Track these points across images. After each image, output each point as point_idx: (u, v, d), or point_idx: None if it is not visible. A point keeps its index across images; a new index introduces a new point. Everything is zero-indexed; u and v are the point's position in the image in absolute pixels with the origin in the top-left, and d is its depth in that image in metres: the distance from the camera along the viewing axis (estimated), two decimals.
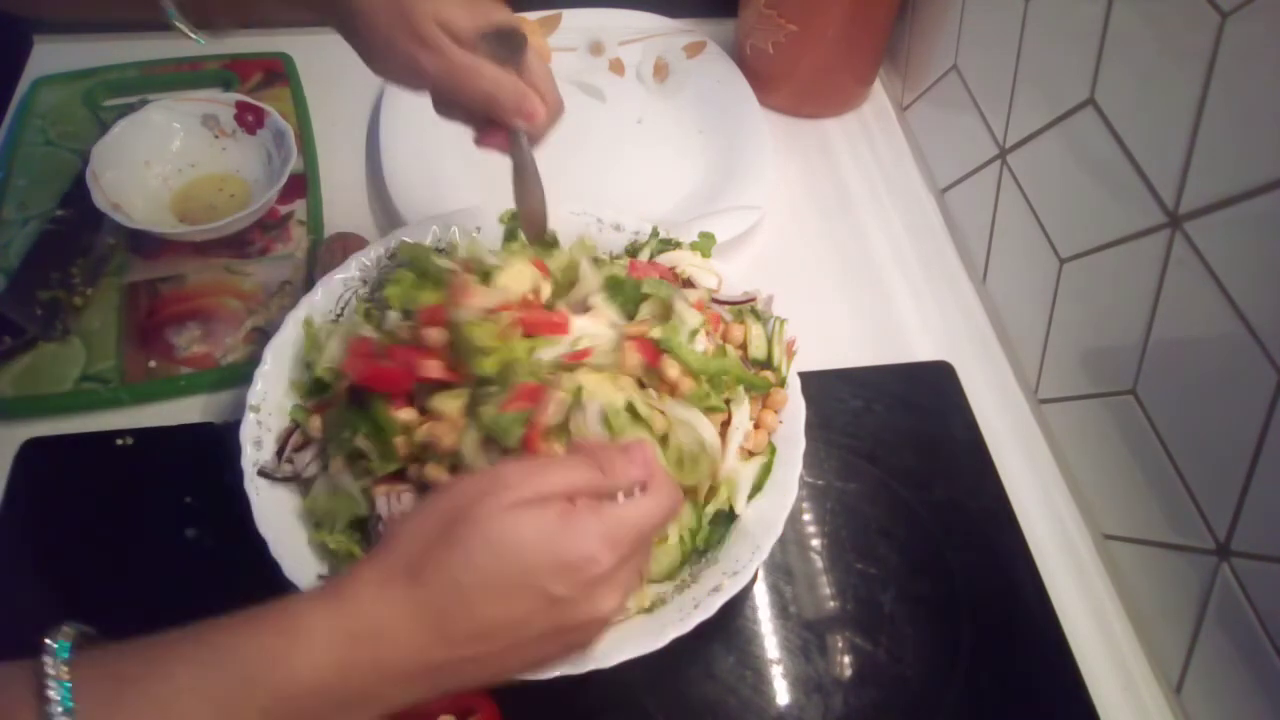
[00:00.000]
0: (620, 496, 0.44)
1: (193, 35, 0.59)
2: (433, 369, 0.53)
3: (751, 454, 0.59)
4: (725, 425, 0.58)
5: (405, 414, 0.54)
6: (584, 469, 0.44)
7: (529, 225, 0.61)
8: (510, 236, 0.68)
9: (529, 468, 0.44)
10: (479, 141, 0.57)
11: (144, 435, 0.65)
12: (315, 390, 0.59)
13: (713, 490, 0.56)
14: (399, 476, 0.54)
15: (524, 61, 0.54)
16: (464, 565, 0.39)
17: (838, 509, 0.66)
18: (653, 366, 0.55)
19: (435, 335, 0.54)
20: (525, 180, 0.58)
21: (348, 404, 0.56)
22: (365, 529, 0.54)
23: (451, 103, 0.55)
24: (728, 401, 0.58)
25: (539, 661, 0.44)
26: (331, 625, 0.38)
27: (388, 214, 0.79)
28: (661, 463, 0.50)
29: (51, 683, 0.36)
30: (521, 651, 0.42)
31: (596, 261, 0.62)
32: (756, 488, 0.58)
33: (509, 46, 0.54)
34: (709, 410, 0.56)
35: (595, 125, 0.90)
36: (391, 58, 0.53)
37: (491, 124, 0.56)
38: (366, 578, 0.40)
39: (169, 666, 0.37)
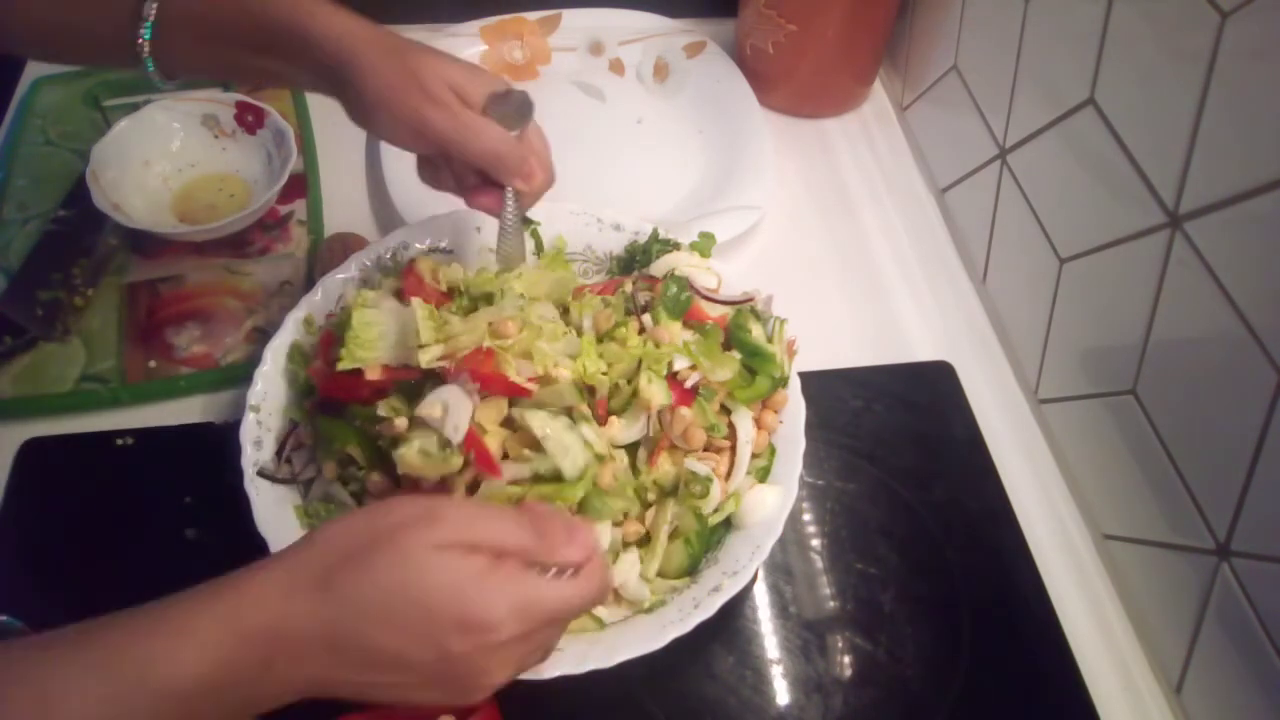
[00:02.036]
0: (551, 572, 0.43)
1: (167, 86, 0.60)
2: (374, 371, 0.54)
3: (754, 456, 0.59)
4: (732, 446, 0.59)
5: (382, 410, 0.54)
6: (523, 531, 0.42)
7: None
8: None
9: (469, 511, 0.43)
10: (470, 202, 0.58)
11: (144, 435, 0.65)
12: (310, 392, 0.59)
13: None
14: (393, 478, 0.54)
15: (525, 130, 0.56)
16: (373, 589, 0.39)
17: (838, 509, 0.66)
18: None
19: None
20: (509, 239, 0.60)
21: (330, 411, 0.56)
22: None
23: (450, 161, 0.57)
24: (730, 419, 0.59)
25: (417, 704, 0.43)
26: (225, 625, 0.38)
27: (388, 214, 0.79)
28: (603, 551, 0.50)
29: None
30: (403, 691, 0.41)
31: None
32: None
33: (516, 112, 0.55)
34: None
35: (595, 125, 0.90)
36: (399, 116, 0.54)
37: (485, 185, 0.57)
38: (275, 579, 0.40)
39: (56, 667, 0.36)
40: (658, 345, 0.57)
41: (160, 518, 0.62)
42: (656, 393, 0.55)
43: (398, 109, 0.53)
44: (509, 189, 0.56)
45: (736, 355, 0.60)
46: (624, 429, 0.56)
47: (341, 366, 0.54)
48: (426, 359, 0.52)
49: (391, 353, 0.55)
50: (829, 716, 0.58)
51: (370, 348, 0.55)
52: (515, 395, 0.53)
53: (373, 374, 0.54)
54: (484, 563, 0.40)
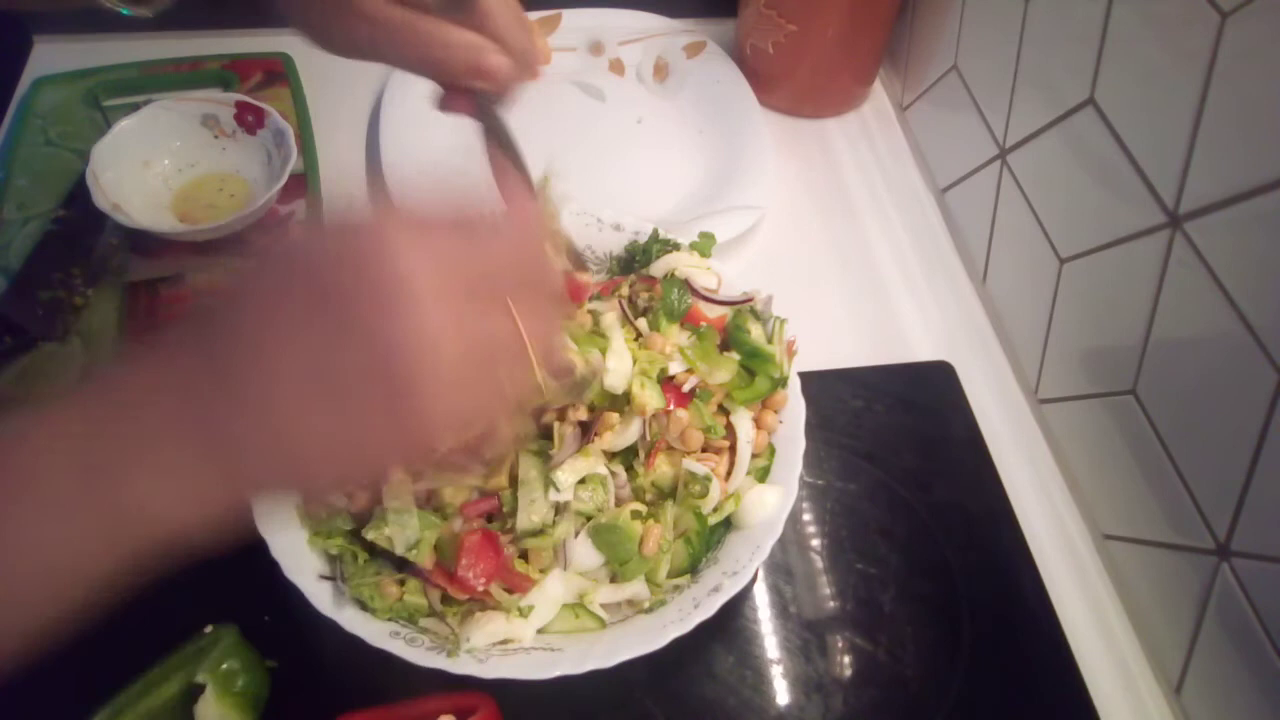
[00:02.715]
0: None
1: (122, 8, 0.55)
2: None
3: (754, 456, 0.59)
4: (732, 447, 0.59)
5: None
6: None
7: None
8: None
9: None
10: (441, 106, 0.50)
11: None
12: None
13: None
14: None
15: (483, 7, 0.46)
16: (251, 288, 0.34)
17: (838, 509, 0.66)
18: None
19: None
20: (497, 148, 0.51)
21: None
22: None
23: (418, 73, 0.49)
24: (729, 419, 0.59)
25: (361, 443, 0.35)
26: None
27: None
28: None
29: None
30: (323, 403, 0.33)
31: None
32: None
33: None
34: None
35: (595, 125, 0.90)
36: (336, 34, 0.48)
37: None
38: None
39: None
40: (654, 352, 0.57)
41: None
42: (650, 398, 0.55)
43: (335, 29, 0.48)
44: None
45: (735, 356, 0.60)
46: (618, 434, 0.56)
47: None
48: None
49: None
50: (829, 716, 0.58)
51: None
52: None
53: None
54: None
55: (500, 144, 0.51)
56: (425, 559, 0.51)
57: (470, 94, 0.49)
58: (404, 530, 0.50)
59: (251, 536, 0.35)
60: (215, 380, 0.33)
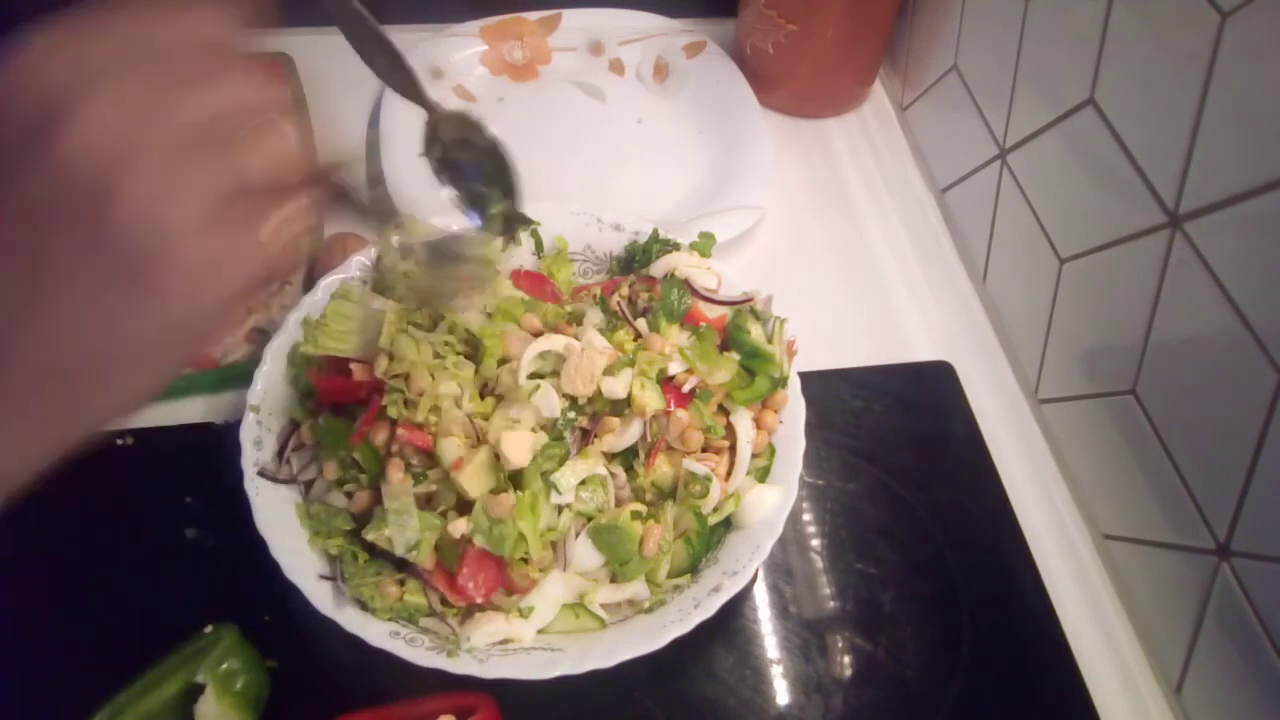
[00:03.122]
0: None
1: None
2: (358, 373, 0.54)
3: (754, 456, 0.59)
4: (732, 447, 0.58)
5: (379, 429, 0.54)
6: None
7: (390, 83, 0.51)
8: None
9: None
10: None
11: (144, 435, 0.65)
12: (310, 393, 0.59)
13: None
14: None
15: None
16: None
17: (838, 509, 0.66)
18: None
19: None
20: (352, 30, 0.50)
21: (330, 413, 0.56)
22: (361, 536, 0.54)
23: None
24: (729, 419, 0.59)
25: (114, 324, 0.29)
26: None
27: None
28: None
29: None
30: (67, 301, 0.28)
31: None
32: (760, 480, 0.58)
33: None
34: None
35: (595, 125, 0.90)
36: None
37: None
38: None
39: None
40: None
41: (160, 518, 0.62)
42: (650, 399, 0.55)
43: None
44: None
45: (735, 356, 0.60)
46: (618, 435, 0.56)
47: (304, 350, 0.54)
48: (380, 369, 0.53)
49: (359, 349, 0.55)
50: (829, 716, 0.58)
51: (339, 339, 0.55)
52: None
53: (361, 374, 0.54)
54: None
55: (351, 27, 0.50)
56: (425, 560, 0.51)
57: None
58: (404, 531, 0.50)
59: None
60: None
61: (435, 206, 0.68)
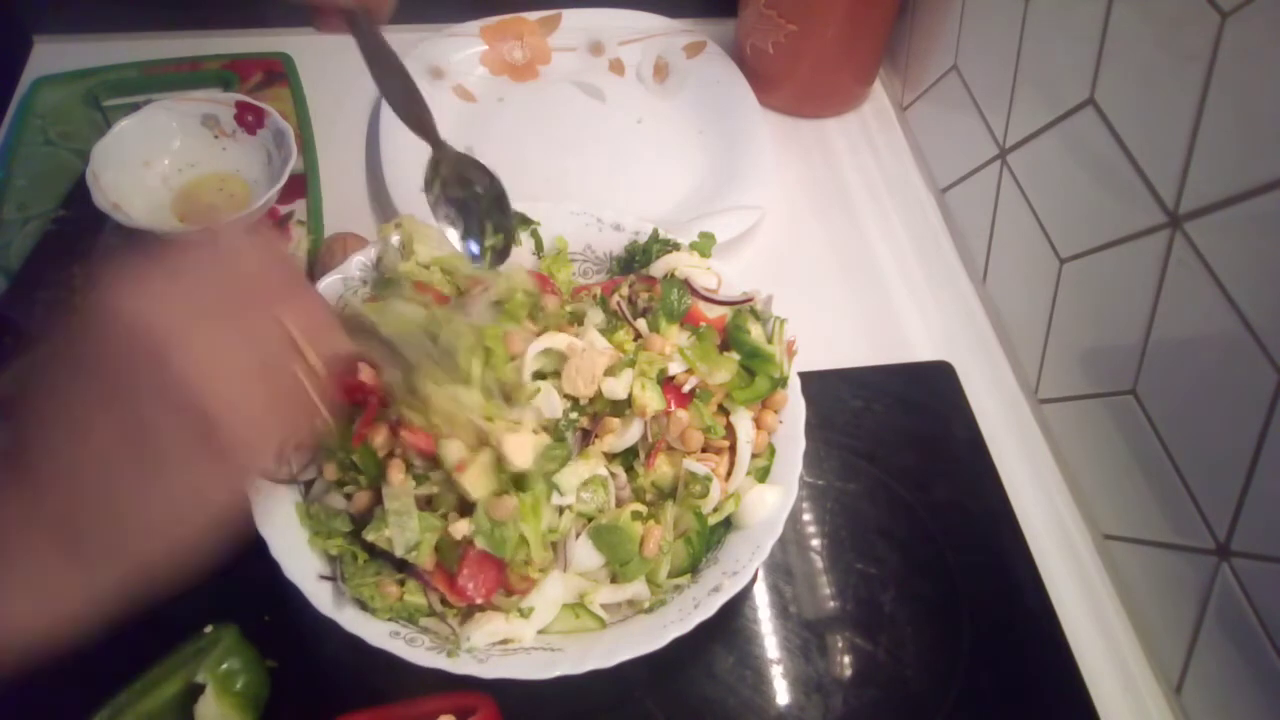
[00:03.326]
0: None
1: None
2: (366, 374, 0.54)
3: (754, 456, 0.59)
4: (732, 447, 0.58)
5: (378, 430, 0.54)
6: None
7: (406, 119, 0.56)
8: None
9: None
10: (319, 27, 0.52)
11: None
12: None
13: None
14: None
15: None
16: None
17: (838, 509, 0.66)
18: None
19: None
20: (378, 67, 0.53)
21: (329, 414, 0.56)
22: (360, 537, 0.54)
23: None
24: (729, 420, 0.59)
25: (180, 487, 0.36)
26: None
27: (387, 214, 0.79)
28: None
29: None
30: (135, 467, 0.35)
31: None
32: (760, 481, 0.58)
33: None
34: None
35: (595, 125, 0.90)
36: None
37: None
38: None
39: None
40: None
41: None
42: (651, 399, 0.55)
43: None
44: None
45: (735, 356, 0.60)
46: (619, 435, 0.56)
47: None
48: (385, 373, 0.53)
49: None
50: (829, 716, 0.58)
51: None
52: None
53: (366, 376, 0.54)
54: None
55: (378, 65, 0.53)
56: (425, 560, 0.51)
57: (343, 14, 0.51)
58: (404, 532, 0.50)
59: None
60: (28, 482, 0.34)
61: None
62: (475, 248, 0.58)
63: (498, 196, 0.57)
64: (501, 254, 0.59)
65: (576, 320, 0.61)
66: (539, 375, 0.56)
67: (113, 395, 0.35)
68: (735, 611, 0.61)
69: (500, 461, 0.52)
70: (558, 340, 0.56)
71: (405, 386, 0.52)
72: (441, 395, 0.52)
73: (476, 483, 0.51)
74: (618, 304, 0.61)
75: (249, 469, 0.39)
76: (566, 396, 0.55)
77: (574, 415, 0.55)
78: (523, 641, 0.52)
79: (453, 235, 0.58)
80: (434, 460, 0.52)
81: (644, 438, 0.56)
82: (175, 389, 0.34)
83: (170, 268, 0.37)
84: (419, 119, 0.55)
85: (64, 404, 0.35)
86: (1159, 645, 0.62)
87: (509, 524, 0.51)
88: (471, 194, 0.57)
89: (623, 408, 0.56)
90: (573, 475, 0.53)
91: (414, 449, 0.52)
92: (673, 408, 0.56)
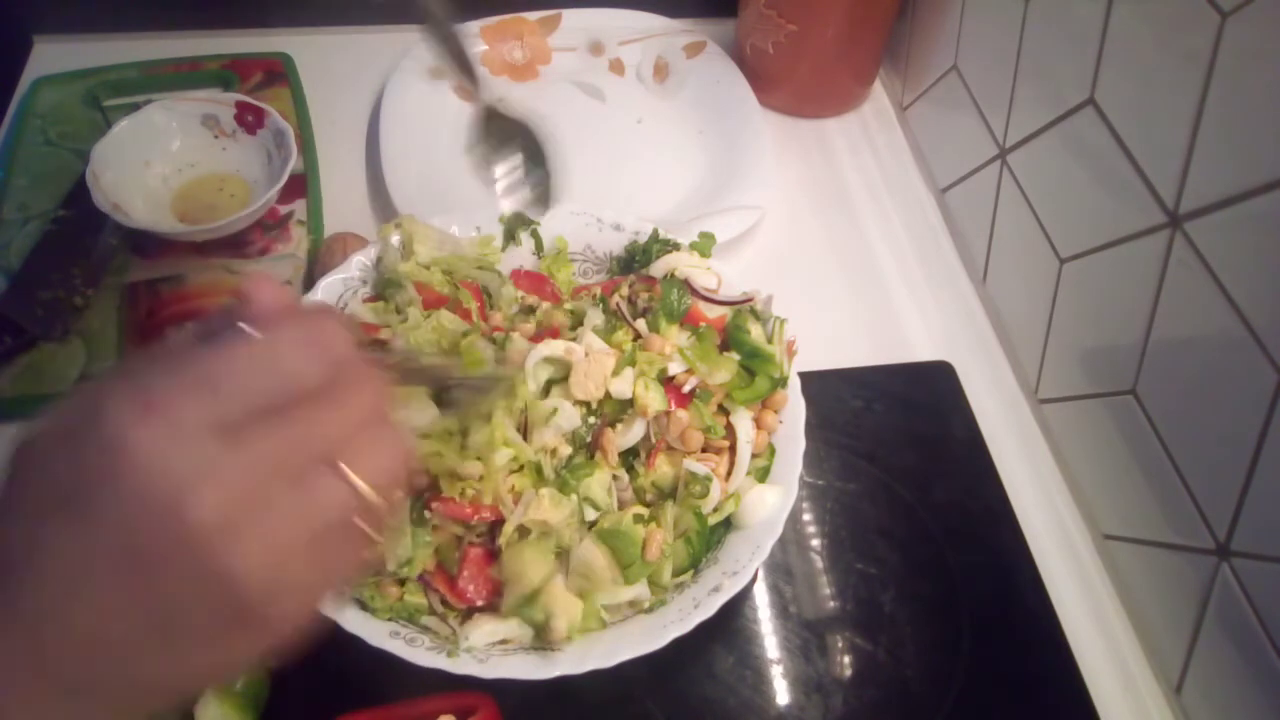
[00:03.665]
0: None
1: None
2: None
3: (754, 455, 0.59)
4: (732, 447, 0.58)
5: None
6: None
7: (460, 74, 0.59)
8: (509, 237, 0.68)
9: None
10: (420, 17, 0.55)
11: None
12: None
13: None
14: None
15: None
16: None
17: (838, 509, 0.66)
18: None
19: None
20: (438, 33, 0.56)
21: None
22: None
23: None
24: (729, 420, 0.59)
25: (208, 664, 0.32)
26: None
27: (387, 214, 0.79)
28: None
29: None
30: (137, 622, 0.29)
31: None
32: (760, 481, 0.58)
33: None
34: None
35: (595, 125, 0.90)
36: None
37: None
38: None
39: None
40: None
41: None
42: (653, 399, 0.55)
43: None
44: None
45: (735, 356, 0.60)
46: (621, 435, 0.56)
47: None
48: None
49: None
50: (829, 716, 0.58)
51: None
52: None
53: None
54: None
55: (448, 48, 0.56)
56: (418, 571, 0.51)
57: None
58: (395, 549, 0.51)
59: None
60: (24, 634, 0.29)
61: (435, 208, 0.68)
62: (527, 190, 0.63)
63: (534, 138, 0.63)
64: (521, 223, 0.64)
65: (576, 320, 0.61)
66: (548, 382, 0.56)
67: (122, 554, 0.28)
68: (735, 611, 0.61)
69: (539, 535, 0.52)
70: (555, 347, 0.56)
71: (454, 446, 0.52)
72: (491, 448, 0.52)
73: (533, 566, 0.51)
74: (618, 304, 0.61)
75: (289, 635, 0.32)
76: (578, 403, 0.55)
77: (593, 420, 0.56)
78: (523, 642, 0.52)
79: (502, 177, 0.63)
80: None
81: (645, 438, 0.56)
82: (199, 559, 0.28)
83: (196, 375, 0.29)
84: (468, 78, 0.58)
85: (64, 557, 0.29)
86: (1159, 645, 0.62)
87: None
88: (515, 142, 0.62)
89: (625, 408, 0.56)
90: (599, 486, 0.54)
91: (451, 517, 0.52)
92: (673, 408, 0.56)
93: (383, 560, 0.49)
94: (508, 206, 0.67)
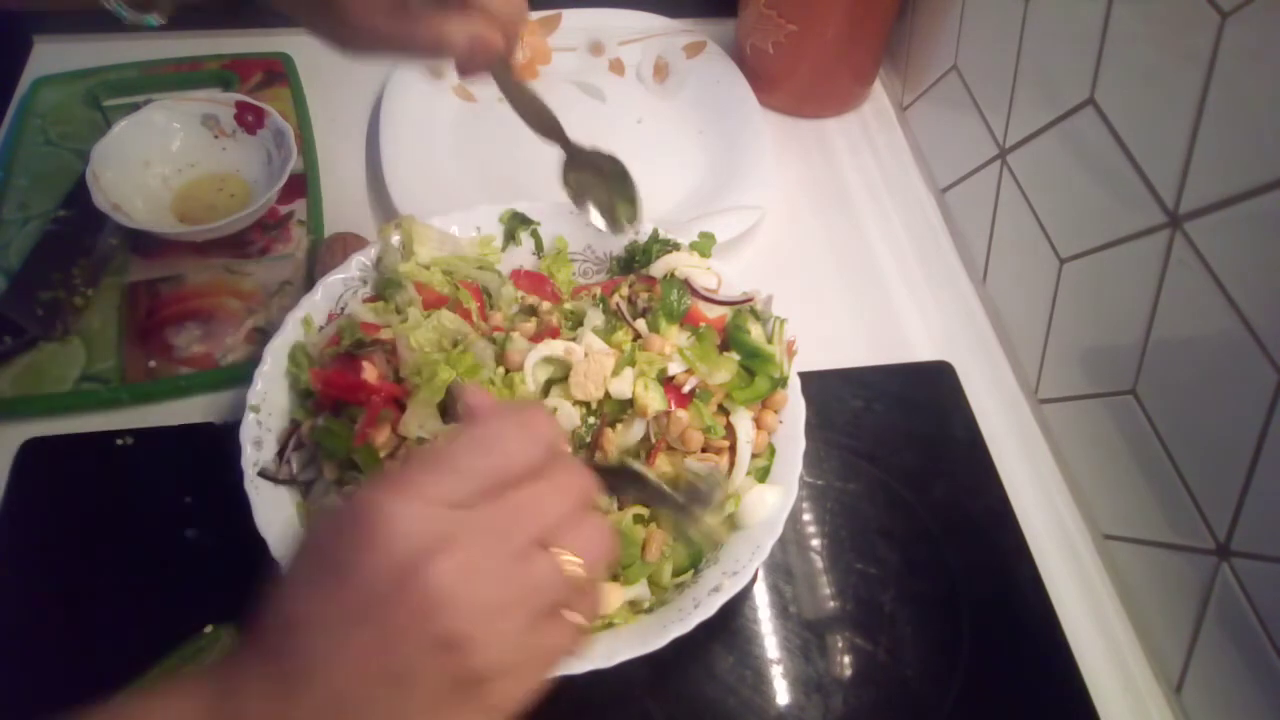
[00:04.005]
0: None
1: (137, 20, 0.60)
2: (370, 373, 0.54)
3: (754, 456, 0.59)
4: (732, 447, 0.58)
5: (380, 430, 0.54)
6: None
7: (548, 135, 0.63)
8: (509, 237, 0.68)
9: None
10: (461, 74, 0.58)
11: (144, 435, 0.65)
12: (311, 393, 0.59)
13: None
14: None
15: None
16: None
17: (838, 509, 0.66)
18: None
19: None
20: (517, 100, 0.60)
21: (330, 414, 0.56)
22: None
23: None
24: (729, 420, 0.59)
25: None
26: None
27: (388, 214, 0.79)
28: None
29: None
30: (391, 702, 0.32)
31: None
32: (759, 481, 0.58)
33: None
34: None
35: (595, 125, 0.90)
36: (341, 41, 0.54)
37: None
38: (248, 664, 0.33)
39: None
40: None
41: (160, 518, 0.62)
42: (653, 399, 0.55)
43: (369, 34, 0.52)
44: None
45: (734, 356, 0.60)
46: (621, 435, 0.56)
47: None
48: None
49: None
50: (829, 716, 0.58)
51: None
52: None
53: (370, 376, 0.54)
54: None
55: (516, 98, 0.60)
56: None
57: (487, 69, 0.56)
58: None
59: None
60: (279, 678, 0.32)
61: (435, 207, 0.68)
62: (609, 222, 0.66)
63: (621, 173, 0.66)
64: (634, 219, 0.66)
65: (576, 320, 0.61)
66: (548, 382, 0.56)
67: (369, 610, 0.32)
68: (735, 611, 0.61)
69: None
70: (554, 347, 0.56)
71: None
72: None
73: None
74: (618, 304, 0.61)
75: (499, 716, 0.35)
76: (577, 403, 0.55)
77: (593, 420, 0.56)
78: None
79: (595, 217, 0.66)
80: None
81: (645, 438, 0.56)
82: (435, 618, 0.32)
83: (437, 459, 0.34)
84: (552, 131, 0.62)
85: (324, 620, 0.32)
86: (1159, 645, 0.62)
87: None
88: (600, 176, 0.65)
89: (625, 408, 0.56)
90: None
91: None
92: (673, 408, 0.56)
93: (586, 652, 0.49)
94: (615, 239, 0.69)
